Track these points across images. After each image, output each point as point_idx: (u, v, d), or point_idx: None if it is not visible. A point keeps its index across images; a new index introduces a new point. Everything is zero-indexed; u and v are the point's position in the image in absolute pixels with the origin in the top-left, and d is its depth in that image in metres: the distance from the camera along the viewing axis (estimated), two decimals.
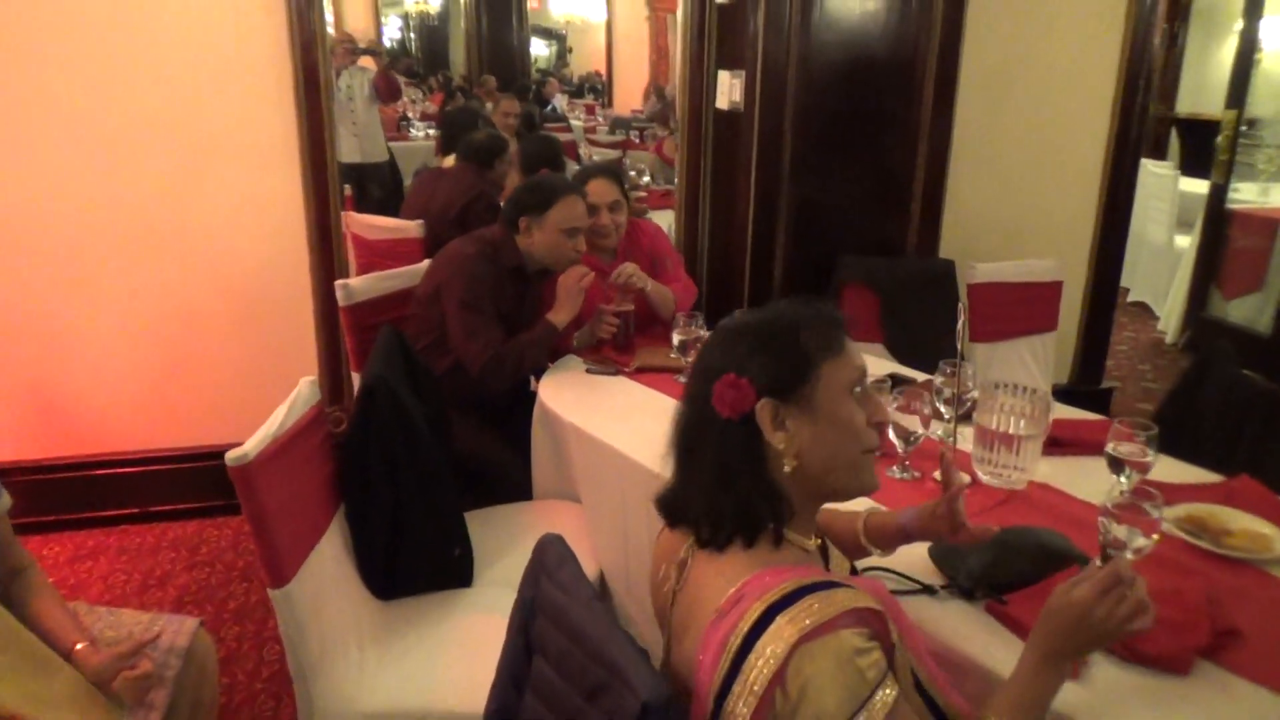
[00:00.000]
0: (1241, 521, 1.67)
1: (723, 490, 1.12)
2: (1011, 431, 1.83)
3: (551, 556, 1.26)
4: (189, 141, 2.99)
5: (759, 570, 1.07)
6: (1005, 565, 1.48)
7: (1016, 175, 3.53)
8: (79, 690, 1.42)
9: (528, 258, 2.53)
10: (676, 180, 3.54)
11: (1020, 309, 3.24)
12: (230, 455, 1.51)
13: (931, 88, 3.15)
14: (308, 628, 1.64)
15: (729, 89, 3.21)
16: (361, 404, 1.89)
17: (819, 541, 1.25)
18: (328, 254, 3.19)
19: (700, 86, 3.35)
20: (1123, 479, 1.74)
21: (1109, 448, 1.74)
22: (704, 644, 1.05)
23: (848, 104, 3.13)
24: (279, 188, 3.10)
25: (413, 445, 1.92)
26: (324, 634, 1.70)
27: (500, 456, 2.45)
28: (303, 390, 1.80)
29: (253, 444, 1.55)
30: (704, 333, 2.39)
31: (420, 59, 13.37)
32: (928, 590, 1.47)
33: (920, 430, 1.90)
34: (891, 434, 1.88)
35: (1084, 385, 4.02)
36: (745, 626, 1.01)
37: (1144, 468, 1.72)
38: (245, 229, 3.12)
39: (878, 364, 3.16)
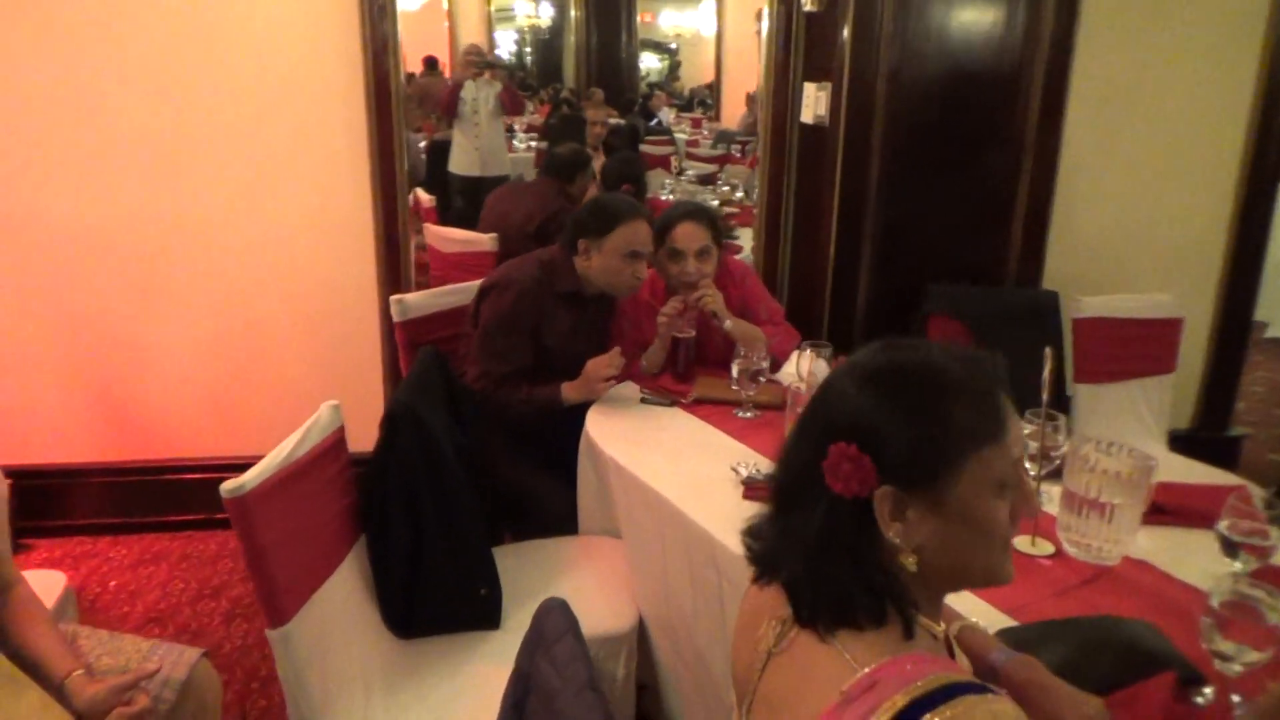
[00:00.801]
0: None
1: (829, 564, 0.93)
2: (1104, 499, 1.59)
3: (550, 627, 1.12)
4: (259, 152, 2.98)
5: (895, 656, 0.89)
6: (1083, 665, 1.25)
7: (1133, 199, 3.20)
8: (47, 710, 1.35)
9: (585, 281, 2.40)
10: (756, 196, 3.36)
11: (1133, 348, 2.92)
12: (226, 486, 1.42)
13: (1038, 102, 2.89)
14: (308, 670, 1.54)
15: (814, 102, 3.02)
16: (384, 431, 1.79)
17: (944, 628, 1.02)
18: (394, 266, 3.14)
19: (785, 99, 3.16)
20: (1237, 564, 1.48)
21: (1221, 526, 1.48)
22: None
23: (942, 119, 2.89)
24: (347, 199, 3.07)
25: (437, 476, 1.81)
26: (328, 676, 1.59)
27: (546, 486, 2.32)
28: (322, 415, 1.70)
29: (252, 474, 1.46)
30: (764, 363, 2.21)
31: (534, 72, 13.58)
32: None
33: None
34: None
35: (1208, 432, 3.63)
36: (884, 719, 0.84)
37: (1264, 553, 1.46)
38: (313, 240, 3.09)
39: None
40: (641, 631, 1.98)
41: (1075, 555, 1.60)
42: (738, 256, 3.78)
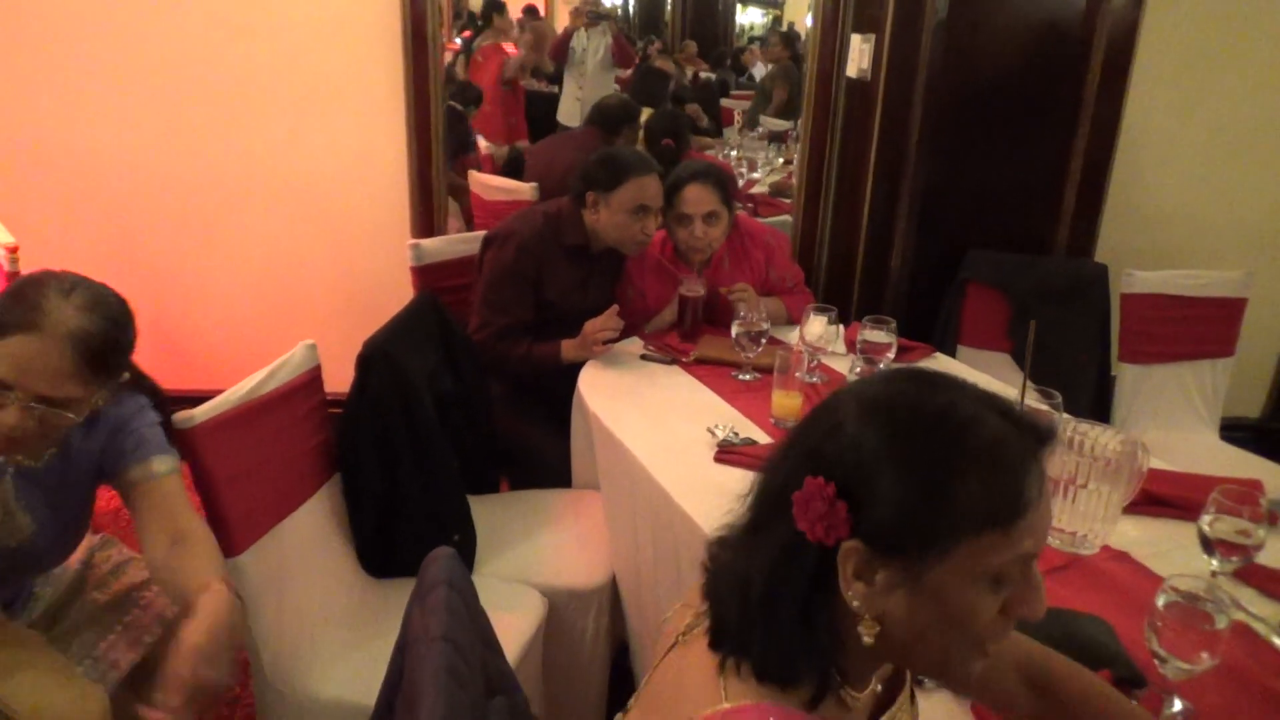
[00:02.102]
0: None
1: (764, 608, 0.80)
2: (1084, 483, 1.49)
3: (429, 577, 1.11)
4: (298, 95, 3.03)
5: (765, 703, 0.78)
6: None
7: (1203, 171, 2.96)
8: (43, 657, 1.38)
9: (592, 236, 2.36)
10: (796, 158, 3.24)
11: (1187, 328, 2.73)
12: (176, 417, 1.46)
13: (1100, 63, 2.68)
14: (263, 598, 1.58)
15: (859, 55, 2.88)
16: (357, 372, 1.81)
17: (877, 688, 0.90)
18: (428, 211, 3.16)
19: (832, 51, 3.02)
20: (1214, 562, 1.37)
21: (1202, 521, 1.37)
22: None
23: (992, 78, 2.72)
24: (384, 142, 3.09)
25: (410, 419, 1.82)
26: (284, 606, 1.63)
27: (542, 438, 2.32)
28: (295, 354, 1.73)
29: (204, 409, 1.49)
30: (767, 326, 2.14)
31: (635, 24, 13.38)
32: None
33: None
34: None
35: (1278, 422, 3.39)
36: None
37: (1244, 552, 1.34)
38: (349, 182, 3.13)
39: (1003, 377, 2.77)
40: (614, 591, 1.97)
41: (1050, 542, 1.51)
42: (782, 217, 3.69)
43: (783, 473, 0.81)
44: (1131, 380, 2.75)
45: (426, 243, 2.60)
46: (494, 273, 2.30)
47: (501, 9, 8.70)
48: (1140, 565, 1.48)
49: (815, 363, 2.19)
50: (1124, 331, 2.74)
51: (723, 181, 2.40)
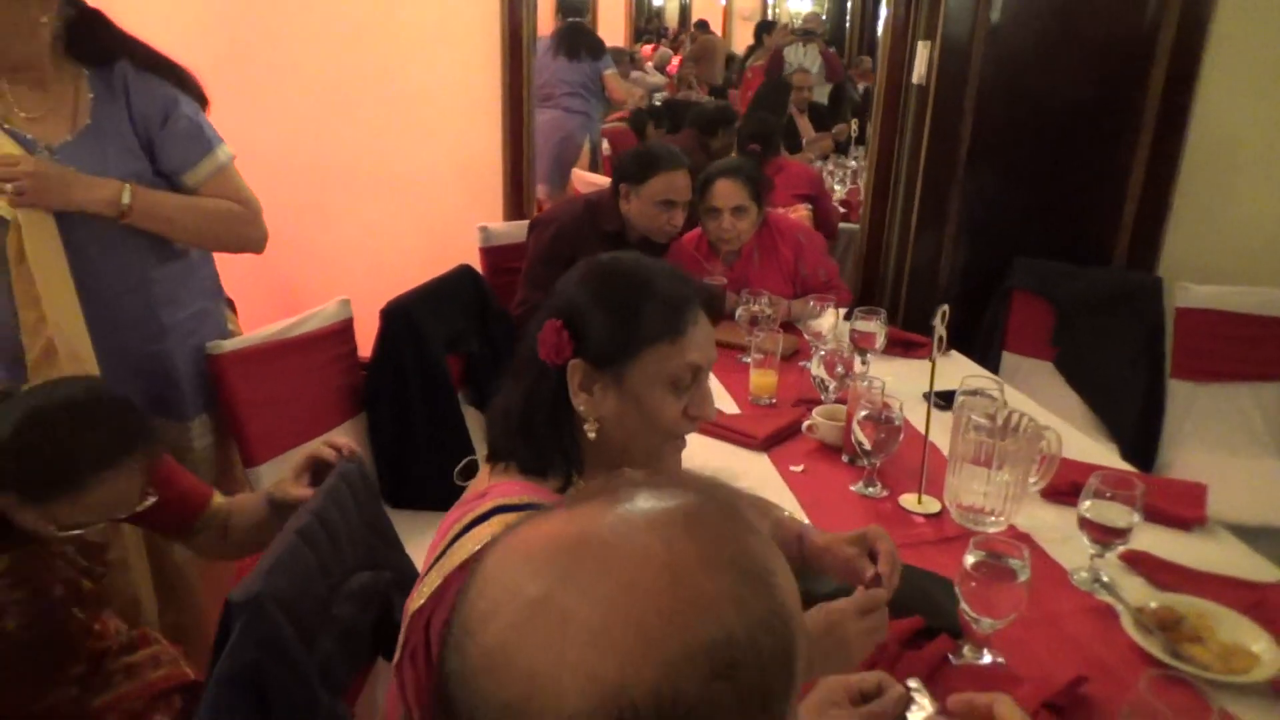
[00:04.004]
0: (1236, 634, 1.29)
1: (522, 423, 1.10)
2: (992, 465, 1.55)
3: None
4: (404, 98, 3.38)
5: (512, 480, 1.08)
6: None
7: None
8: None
9: (627, 224, 2.56)
10: (865, 164, 3.31)
11: (1246, 347, 2.62)
12: (209, 344, 1.78)
13: (1165, 68, 2.62)
14: None
15: (921, 61, 2.93)
16: (380, 326, 2.10)
17: None
18: (518, 205, 3.45)
19: (900, 59, 3.09)
20: (1091, 547, 1.42)
21: (1081, 505, 1.42)
22: (441, 527, 1.10)
23: (1048, 84, 2.71)
24: (480, 143, 3.40)
25: (426, 371, 2.09)
26: None
27: None
28: (328, 307, 2.04)
29: (233, 342, 1.81)
30: (762, 309, 2.28)
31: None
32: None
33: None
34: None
35: None
36: (471, 516, 1.03)
37: (1113, 537, 1.38)
38: (448, 179, 3.46)
39: (1046, 385, 2.74)
40: None
41: (955, 518, 1.58)
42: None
43: (535, 327, 1.10)
44: (1182, 396, 2.67)
45: (493, 226, 2.90)
46: (535, 254, 2.55)
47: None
48: (1039, 547, 1.53)
49: (823, 352, 2.28)
50: (1177, 347, 2.66)
51: (753, 178, 2.55)
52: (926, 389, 1.63)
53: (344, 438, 1.53)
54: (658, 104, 6.65)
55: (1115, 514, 1.39)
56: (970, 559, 1.22)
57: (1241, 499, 2.32)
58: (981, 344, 2.82)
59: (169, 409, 1.75)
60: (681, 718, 0.45)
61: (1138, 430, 2.68)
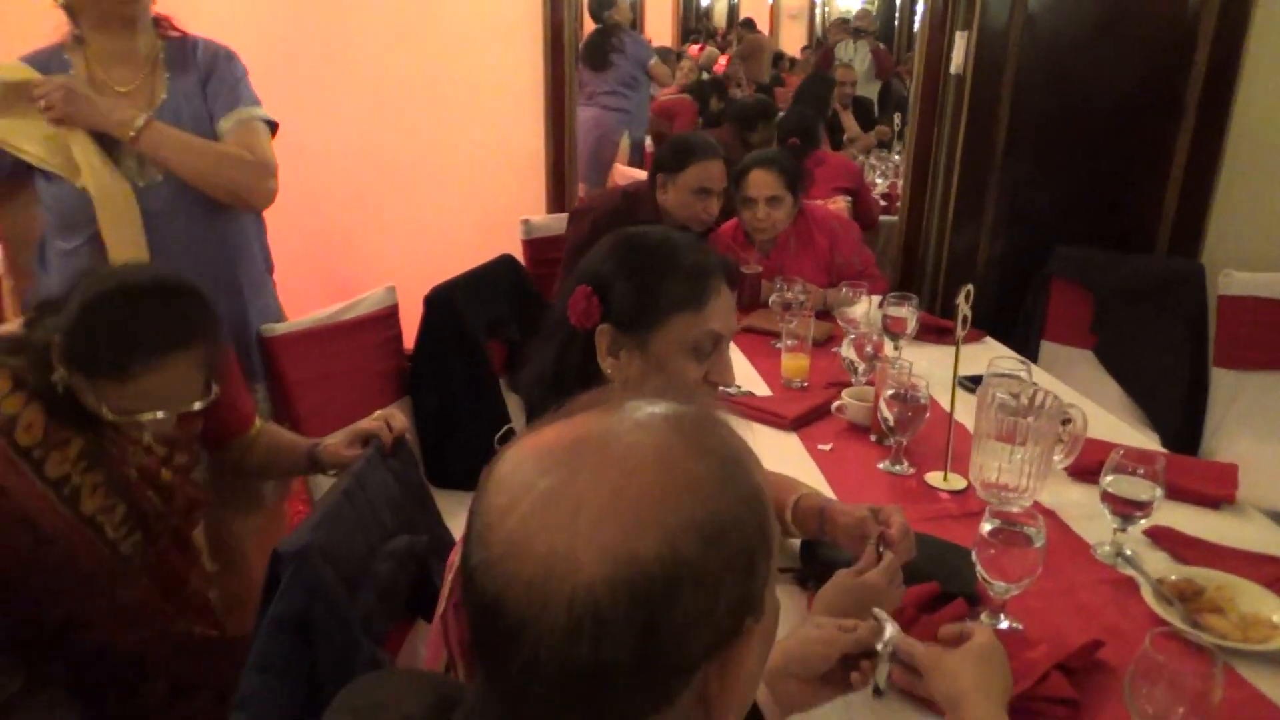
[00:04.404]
0: (1256, 606, 1.30)
1: (554, 384, 1.17)
2: (1021, 440, 1.57)
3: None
4: (449, 95, 3.48)
5: None
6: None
7: None
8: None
9: (665, 214, 2.61)
10: (902, 156, 3.32)
11: None
12: (263, 326, 1.88)
13: (1206, 55, 2.60)
14: (327, 483, 1.97)
15: (958, 52, 2.94)
16: (425, 311, 2.18)
17: None
18: (560, 197, 3.54)
19: (939, 50, 3.10)
20: (1113, 521, 1.43)
21: (1103, 479, 1.44)
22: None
23: (1086, 73, 2.71)
24: (523, 138, 3.49)
25: (466, 355, 2.17)
26: None
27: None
28: (375, 294, 2.13)
29: (285, 325, 1.90)
30: (794, 296, 2.31)
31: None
32: None
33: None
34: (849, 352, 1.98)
35: None
36: None
37: (1134, 510, 1.40)
38: (492, 174, 3.56)
39: (1086, 374, 2.73)
40: None
41: (980, 495, 1.61)
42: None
43: (565, 293, 1.18)
44: (1228, 386, 2.64)
45: (535, 218, 2.97)
46: (573, 241, 2.61)
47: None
48: (1061, 522, 1.55)
49: (854, 335, 2.31)
50: (1220, 335, 2.63)
51: (787, 169, 2.58)
52: (987, 386, 1.65)
53: (399, 416, 1.60)
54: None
55: (1137, 488, 1.40)
56: (987, 526, 1.25)
57: None
58: (1020, 333, 2.83)
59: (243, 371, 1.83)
60: (683, 578, 0.53)
61: (1180, 419, 2.66)
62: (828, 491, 1.63)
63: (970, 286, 1.61)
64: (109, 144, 1.70)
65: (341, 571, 1.17)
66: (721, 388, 1.22)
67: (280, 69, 3.55)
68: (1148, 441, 2.06)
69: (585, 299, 1.15)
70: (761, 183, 2.56)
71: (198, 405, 1.35)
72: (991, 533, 1.24)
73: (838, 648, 0.97)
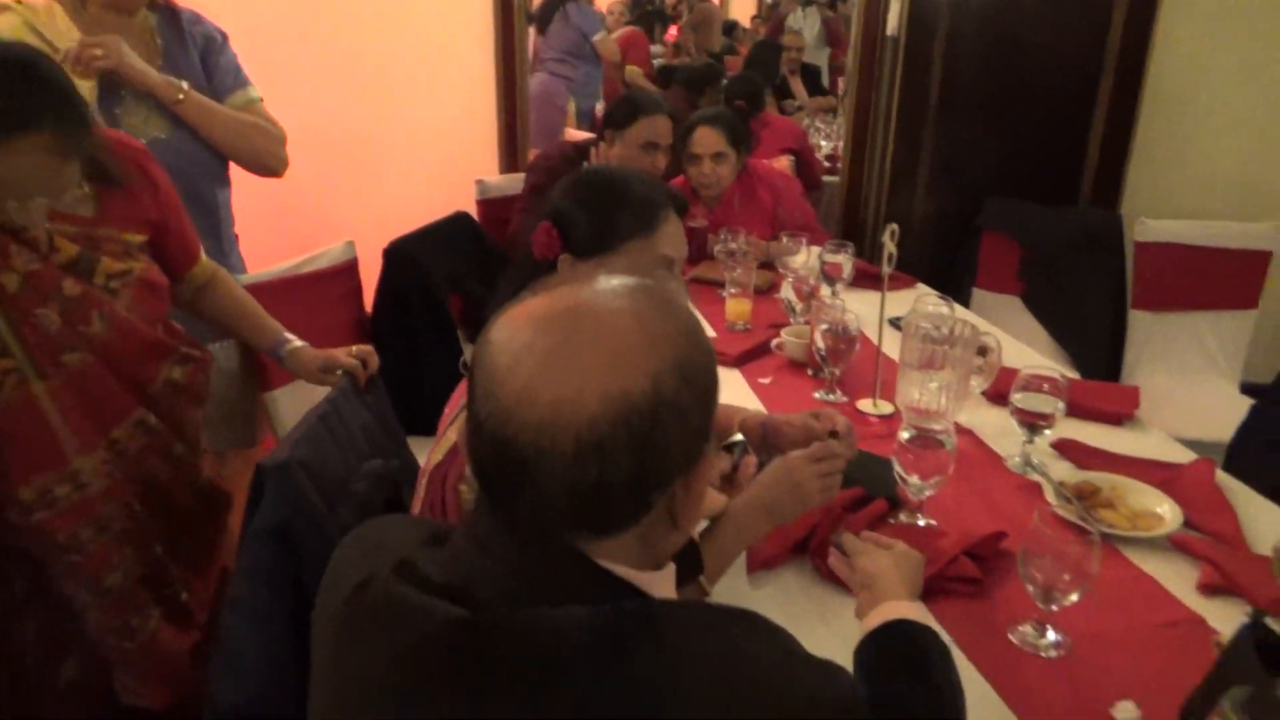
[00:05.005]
0: (1144, 501, 1.46)
1: None
2: (940, 365, 1.71)
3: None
4: (407, 58, 3.51)
5: None
6: None
7: (1256, 120, 2.92)
8: None
9: None
10: (842, 117, 3.45)
11: (1203, 279, 2.78)
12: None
13: (1124, 9, 2.76)
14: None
15: (894, 14, 3.07)
16: (383, 265, 2.27)
17: None
18: (513, 158, 3.61)
19: (876, 12, 3.21)
20: (1022, 434, 1.58)
21: (1013, 396, 1.59)
22: (453, 398, 1.32)
23: (1013, 31, 2.85)
24: (476, 103, 3.55)
25: (428, 304, 2.26)
26: None
27: None
28: (334, 248, 2.22)
29: (245, 278, 1.98)
30: (738, 246, 2.44)
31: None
32: None
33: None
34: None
35: None
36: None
37: (1039, 420, 1.55)
38: (447, 135, 3.61)
39: (1014, 319, 2.89)
40: None
41: (905, 418, 1.74)
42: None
43: (528, 231, 1.30)
44: (1143, 326, 2.83)
45: (489, 179, 3.06)
46: (530, 187, 2.69)
47: None
48: (978, 439, 1.70)
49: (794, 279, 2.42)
50: (1137, 279, 2.82)
51: (732, 126, 2.70)
52: (910, 319, 1.78)
53: (375, 356, 1.75)
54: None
55: (1042, 403, 1.56)
56: (905, 434, 1.39)
57: (1198, 419, 2.50)
58: (953, 282, 2.98)
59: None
60: (665, 411, 0.67)
61: (1102, 359, 2.84)
62: None
63: (895, 225, 1.75)
64: (109, 99, 1.76)
65: (321, 489, 1.27)
66: None
67: (241, 35, 3.54)
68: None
69: (546, 233, 1.26)
70: (707, 139, 2.67)
71: (71, 197, 1.34)
72: (909, 439, 1.38)
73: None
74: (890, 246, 1.74)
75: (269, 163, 2.01)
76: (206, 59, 1.90)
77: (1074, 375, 2.62)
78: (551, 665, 0.64)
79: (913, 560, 1.12)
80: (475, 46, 3.49)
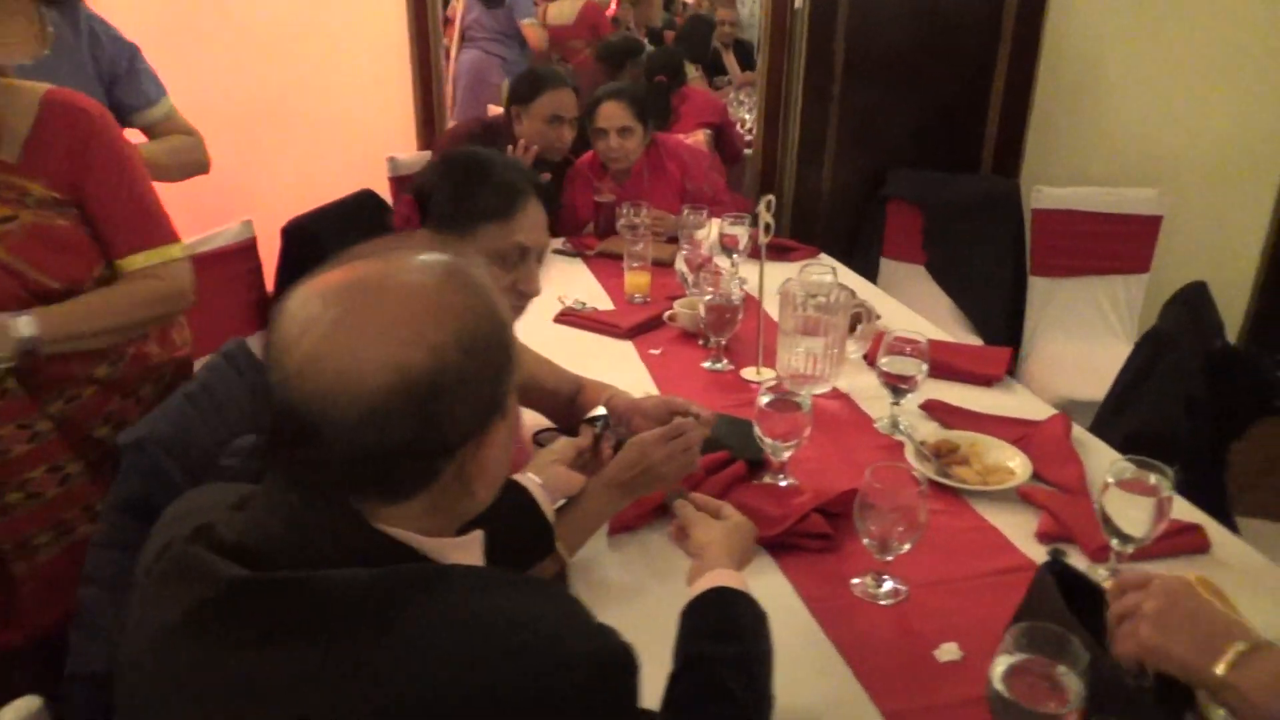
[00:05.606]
0: (999, 457, 1.53)
1: None
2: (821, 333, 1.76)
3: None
4: (318, 32, 3.48)
5: None
6: None
7: (1150, 83, 3.02)
8: None
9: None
10: (757, 93, 3.49)
11: (1098, 243, 2.88)
12: (119, 263, 1.93)
13: None
14: None
15: None
16: (282, 242, 2.27)
17: None
18: (430, 130, 3.59)
19: None
20: (890, 396, 1.64)
21: (879, 360, 1.64)
22: None
23: (913, 7, 2.90)
24: (390, 79, 3.53)
25: None
26: None
27: None
28: (230, 227, 2.21)
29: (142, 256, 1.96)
30: (640, 220, 2.47)
31: None
32: (560, 432, 1.55)
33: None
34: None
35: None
36: None
37: (903, 383, 1.61)
38: (359, 112, 3.58)
39: (919, 288, 2.97)
40: None
41: (787, 385, 1.80)
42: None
43: (400, 207, 1.27)
44: (1041, 292, 2.92)
45: (401, 156, 3.04)
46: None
47: None
48: (852, 403, 1.76)
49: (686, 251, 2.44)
50: (1035, 246, 2.90)
51: (638, 100, 2.72)
52: (787, 287, 1.82)
53: None
54: None
55: (905, 365, 1.61)
56: (763, 400, 1.43)
57: (1095, 380, 2.58)
58: (861, 252, 3.05)
59: None
60: (446, 381, 0.69)
61: (1003, 325, 2.93)
62: (653, 389, 1.81)
63: (771, 196, 1.79)
64: None
65: (185, 463, 1.29)
66: (533, 298, 1.36)
67: (149, 7, 3.51)
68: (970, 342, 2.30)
69: (408, 206, 1.31)
70: (612, 114, 2.69)
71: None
72: (768, 404, 1.43)
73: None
74: (766, 216, 1.78)
75: (197, 173, 2.06)
76: (124, 72, 1.91)
77: (977, 341, 2.73)
78: (323, 624, 0.67)
79: (744, 531, 1.15)
80: (388, 17, 3.46)
